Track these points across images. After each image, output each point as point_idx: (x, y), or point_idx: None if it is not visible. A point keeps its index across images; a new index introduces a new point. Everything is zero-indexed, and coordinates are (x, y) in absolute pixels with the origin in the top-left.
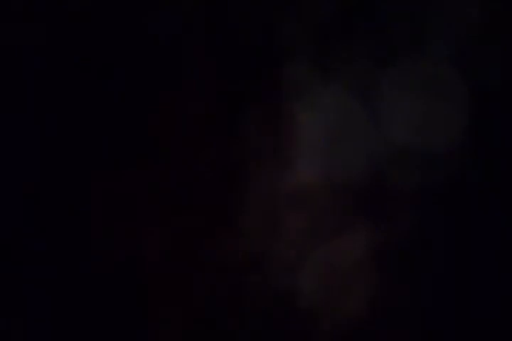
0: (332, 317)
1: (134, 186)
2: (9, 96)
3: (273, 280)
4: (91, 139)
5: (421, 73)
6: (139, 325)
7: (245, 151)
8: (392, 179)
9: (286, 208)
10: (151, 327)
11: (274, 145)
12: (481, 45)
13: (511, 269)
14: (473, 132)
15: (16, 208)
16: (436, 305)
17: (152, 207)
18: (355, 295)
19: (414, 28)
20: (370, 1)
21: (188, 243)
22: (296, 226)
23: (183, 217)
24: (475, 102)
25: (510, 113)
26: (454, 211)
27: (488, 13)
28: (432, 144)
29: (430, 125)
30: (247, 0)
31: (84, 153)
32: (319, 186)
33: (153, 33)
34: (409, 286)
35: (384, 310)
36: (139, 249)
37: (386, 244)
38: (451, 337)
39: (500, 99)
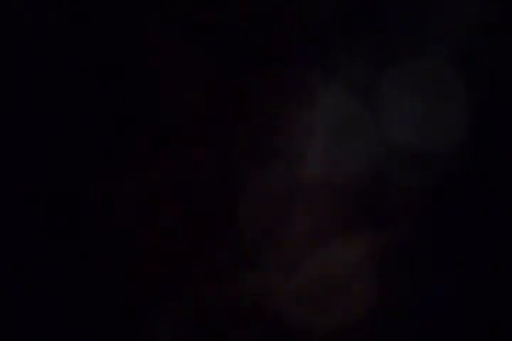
0: (332, 318)
1: (134, 186)
2: (9, 96)
3: (273, 280)
4: (91, 139)
5: (421, 73)
6: (136, 325)
7: (245, 151)
8: (392, 179)
9: (285, 208)
10: (148, 327)
11: (274, 145)
12: (481, 45)
13: (511, 269)
14: (473, 132)
15: (16, 208)
16: (437, 306)
17: (152, 206)
18: (356, 296)
19: (414, 28)
20: (370, 1)
21: (188, 243)
22: (296, 226)
23: (183, 217)
24: (475, 102)
25: (510, 113)
26: (454, 211)
27: (488, 13)
28: (432, 144)
29: (430, 125)
30: (247, 0)
31: (84, 153)
32: (319, 186)
33: (153, 32)
34: (409, 286)
35: (385, 311)
36: (139, 248)
37: (386, 244)
38: (451, 338)
39: (500, 99)
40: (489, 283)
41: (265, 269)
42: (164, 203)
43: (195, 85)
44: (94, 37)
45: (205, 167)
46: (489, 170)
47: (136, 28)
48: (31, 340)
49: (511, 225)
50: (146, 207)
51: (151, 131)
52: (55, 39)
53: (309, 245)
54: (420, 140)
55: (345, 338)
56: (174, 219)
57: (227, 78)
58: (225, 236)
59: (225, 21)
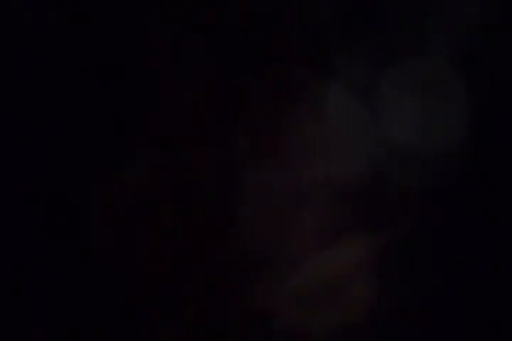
0: (333, 318)
1: (134, 186)
2: (9, 96)
3: (273, 280)
4: (91, 139)
5: (421, 73)
6: (136, 325)
7: (245, 151)
8: (392, 179)
9: (285, 208)
10: (148, 328)
11: (275, 145)
12: (481, 45)
13: (511, 269)
14: (473, 132)
15: (16, 208)
16: (437, 306)
17: (152, 206)
18: (356, 296)
19: (414, 28)
20: (370, 1)
21: (188, 243)
22: (296, 226)
23: (183, 217)
24: (475, 102)
25: (510, 113)
26: (454, 211)
27: (488, 13)
28: (432, 144)
29: (430, 125)
30: (247, 0)
31: (84, 153)
32: (319, 186)
33: (153, 32)
34: (409, 286)
35: (385, 311)
36: (139, 248)
37: (386, 244)
38: (451, 338)
39: (500, 99)
40: (489, 283)
41: (265, 269)
42: (164, 203)
43: (195, 85)
44: (94, 37)
45: (205, 167)
46: (489, 170)
47: (136, 28)
48: (31, 340)
49: (511, 225)
50: (146, 207)
51: (151, 131)
52: (55, 39)
53: (309, 245)
54: (420, 140)
55: (345, 338)
56: (174, 219)
57: (227, 78)
58: (225, 236)
59: (225, 21)
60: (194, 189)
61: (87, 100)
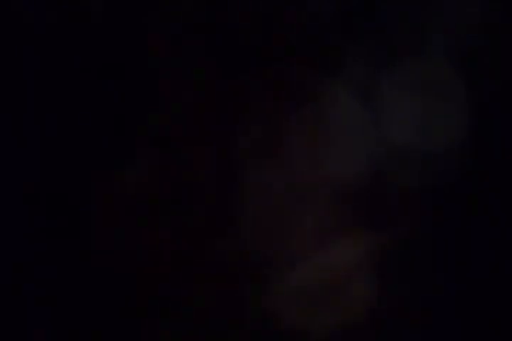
0: (332, 318)
1: (134, 186)
2: (9, 96)
3: (273, 280)
4: (91, 139)
5: (421, 73)
6: (136, 325)
7: (245, 151)
8: (392, 179)
9: (285, 208)
10: (148, 328)
11: (274, 145)
12: (481, 45)
13: (511, 269)
14: (473, 132)
15: (16, 208)
16: (437, 306)
17: (152, 206)
18: (355, 296)
19: (414, 28)
20: (370, 1)
21: (188, 243)
22: (296, 226)
23: (183, 217)
24: (475, 102)
25: (510, 113)
26: (454, 211)
27: (488, 13)
28: (432, 144)
29: (430, 125)
30: (247, 0)
31: (84, 153)
32: (319, 186)
33: (153, 32)
34: (409, 286)
35: (385, 311)
36: (139, 248)
37: (386, 244)
38: (451, 338)
39: (500, 99)
40: (489, 283)
41: (265, 269)
42: (164, 203)
43: (195, 85)
44: (94, 37)
45: (205, 167)
46: (489, 170)
47: (136, 28)
48: (31, 340)
49: (511, 225)
50: (146, 207)
51: (151, 131)
52: (55, 39)
53: (309, 245)
54: (420, 140)
55: (345, 338)
56: (174, 219)
57: (227, 78)
58: (225, 236)
59: (225, 21)
60: (194, 189)
61: (87, 100)
